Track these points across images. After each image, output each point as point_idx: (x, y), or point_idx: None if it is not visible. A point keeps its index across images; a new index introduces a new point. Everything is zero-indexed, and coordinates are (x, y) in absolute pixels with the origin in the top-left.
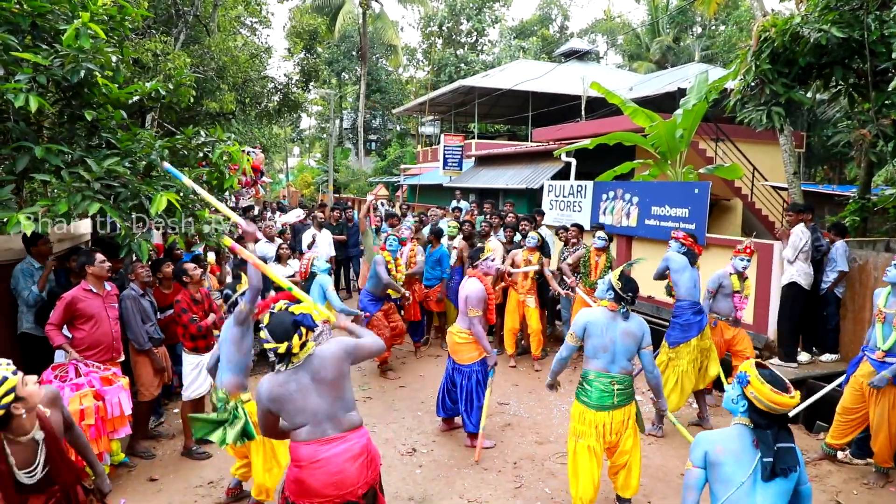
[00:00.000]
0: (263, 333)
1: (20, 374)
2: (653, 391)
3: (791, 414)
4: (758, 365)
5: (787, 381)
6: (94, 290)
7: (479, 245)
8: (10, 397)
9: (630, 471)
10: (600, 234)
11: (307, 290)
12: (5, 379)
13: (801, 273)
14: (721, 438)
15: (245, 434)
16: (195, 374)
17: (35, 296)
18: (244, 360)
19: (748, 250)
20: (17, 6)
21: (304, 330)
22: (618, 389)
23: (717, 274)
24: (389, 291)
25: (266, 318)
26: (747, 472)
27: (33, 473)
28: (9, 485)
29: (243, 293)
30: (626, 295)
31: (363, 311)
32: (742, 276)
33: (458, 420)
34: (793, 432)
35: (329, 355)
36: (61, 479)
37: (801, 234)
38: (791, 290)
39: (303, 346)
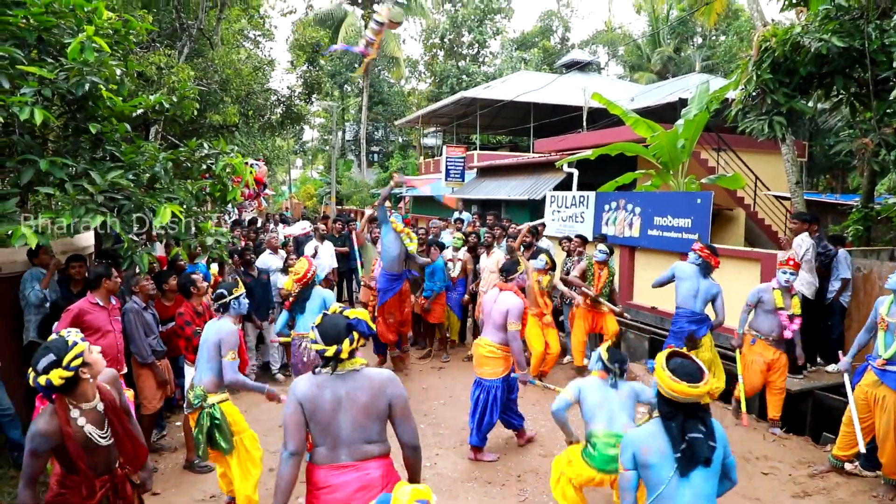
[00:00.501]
0: (313, 334)
1: (87, 342)
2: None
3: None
4: (674, 353)
5: (702, 370)
6: (101, 303)
7: (508, 257)
8: (80, 360)
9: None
10: (601, 247)
11: (305, 301)
12: (75, 344)
13: (803, 283)
14: (646, 436)
15: (211, 440)
16: None
17: (38, 294)
18: (223, 361)
19: (791, 262)
20: (24, 21)
21: (356, 335)
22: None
23: (758, 288)
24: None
25: (319, 319)
26: (674, 464)
27: (105, 434)
28: (78, 448)
29: (238, 297)
30: (613, 366)
31: (382, 291)
32: (789, 292)
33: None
34: (707, 418)
35: (374, 379)
36: (124, 451)
37: (801, 243)
38: None
39: (352, 353)
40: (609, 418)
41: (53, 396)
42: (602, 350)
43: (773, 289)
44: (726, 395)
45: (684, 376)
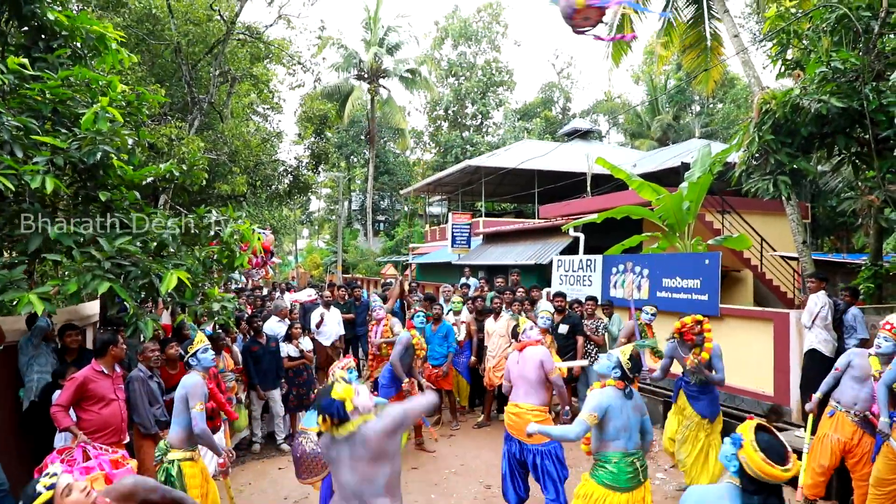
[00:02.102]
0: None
1: (67, 478)
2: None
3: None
4: (759, 427)
5: (789, 450)
6: (106, 371)
7: (510, 320)
8: None
9: None
10: (649, 308)
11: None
12: (39, 493)
13: (820, 340)
14: (709, 497)
15: None
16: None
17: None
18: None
19: (889, 327)
20: (40, 95)
21: (325, 417)
22: (641, 466)
23: (850, 351)
24: (414, 366)
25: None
26: None
27: None
28: None
29: (195, 352)
30: (633, 374)
31: (384, 388)
32: (889, 361)
33: None
34: (781, 494)
35: (373, 433)
36: None
37: (816, 300)
38: (812, 357)
39: (337, 426)
40: (628, 439)
41: None
42: (623, 357)
43: (870, 354)
44: None
45: (776, 458)
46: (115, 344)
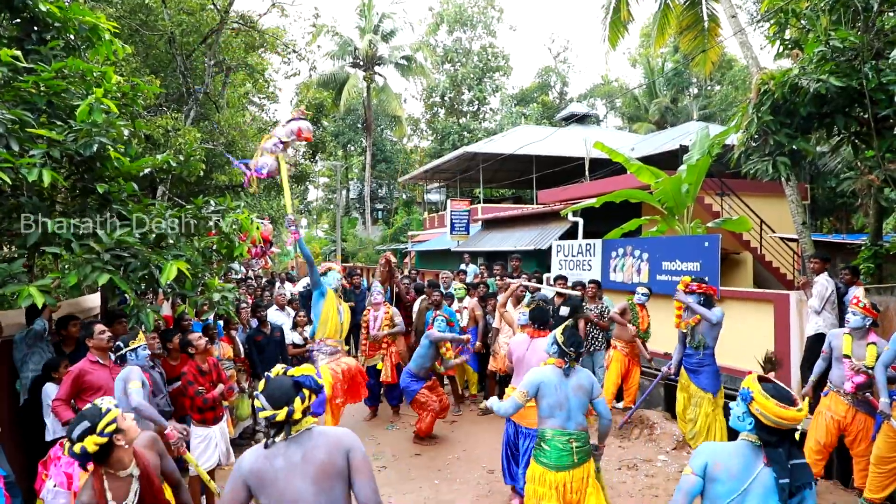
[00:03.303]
0: (259, 402)
1: (119, 409)
2: (600, 437)
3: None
4: (760, 378)
5: (793, 393)
6: (101, 362)
7: (534, 305)
8: (113, 426)
9: None
10: (642, 289)
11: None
12: (109, 410)
13: (828, 324)
14: (724, 454)
15: None
16: (203, 447)
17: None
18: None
19: (856, 301)
20: (34, 87)
21: (306, 392)
22: (576, 447)
23: (829, 333)
24: (437, 365)
25: (262, 385)
26: (739, 489)
27: None
28: None
29: (135, 348)
30: (569, 350)
31: (408, 390)
32: (864, 338)
33: None
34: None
35: (329, 435)
36: None
37: (826, 284)
38: (818, 342)
39: (305, 412)
40: (566, 418)
41: (89, 466)
42: (558, 333)
43: (844, 334)
44: None
45: (787, 401)
46: (90, 336)
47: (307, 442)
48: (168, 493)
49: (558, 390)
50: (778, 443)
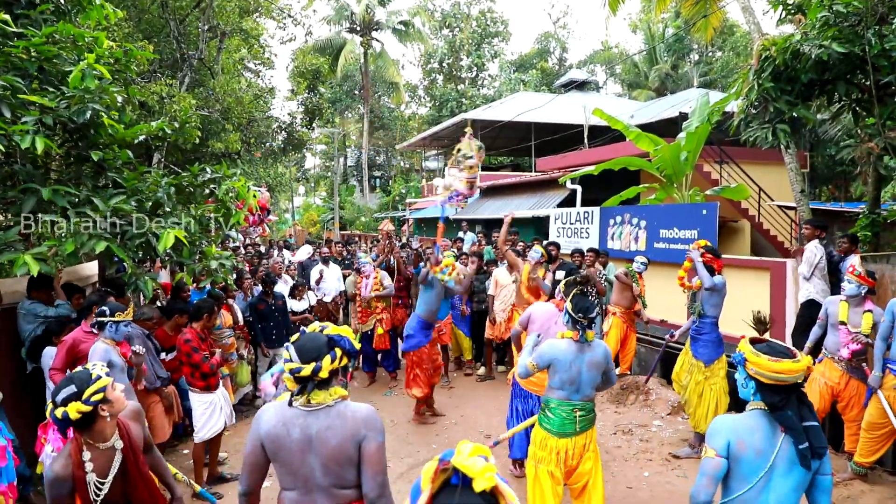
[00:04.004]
0: (287, 353)
1: (111, 377)
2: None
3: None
4: (753, 340)
5: (790, 348)
6: (95, 331)
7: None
8: (100, 395)
9: (591, 493)
10: (641, 258)
11: None
12: (99, 378)
13: (818, 290)
14: (746, 430)
15: None
16: (209, 413)
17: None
18: None
19: (852, 269)
20: (25, 52)
21: (339, 352)
22: (580, 416)
23: (826, 300)
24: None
25: (295, 336)
26: (765, 466)
27: (103, 483)
28: (85, 493)
29: (118, 322)
30: (579, 316)
31: (413, 339)
32: (860, 306)
33: None
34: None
35: (347, 419)
36: (137, 496)
37: (815, 251)
38: (809, 308)
39: (332, 375)
40: (574, 391)
41: (70, 433)
42: (568, 303)
43: (841, 300)
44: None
45: (780, 354)
46: (98, 305)
47: (324, 420)
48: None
49: (572, 367)
50: (783, 403)
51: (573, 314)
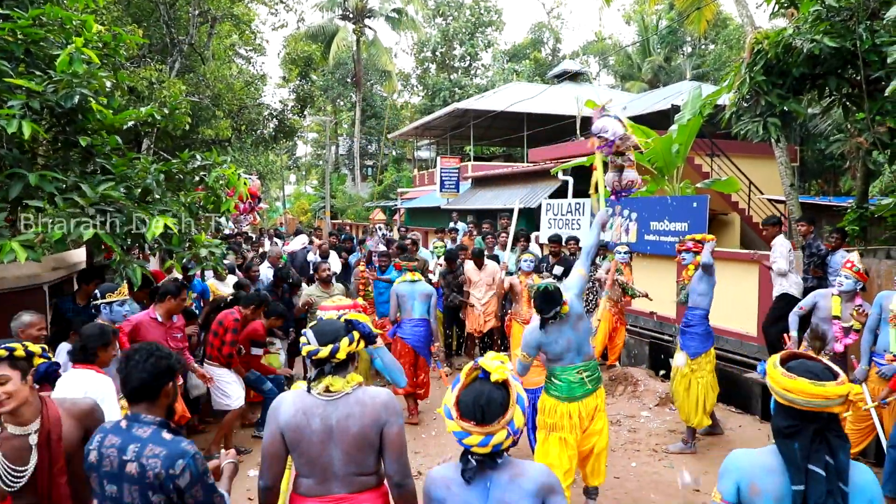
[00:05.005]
0: (304, 338)
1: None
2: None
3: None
4: (793, 356)
5: (835, 370)
6: (160, 320)
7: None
8: (25, 357)
9: (599, 456)
10: (622, 248)
11: None
12: (42, 351)
13: (792, 283)
14: (761, 471)
15: None
16: (235, 385)
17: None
18: None
19: (850, 265)
20: (11, 35)
21: (356, 335)
22: (587, 377)
23: (816, 292)
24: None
25: (312, 322)
26: None
27: (19, 476)
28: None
29: (111, 302)
30: (542, 314)
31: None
32: (852, 300)
33: None
34: (841, 445)
35: (367, 405)
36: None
37: (784, 243)
38: (783, 301)
39: (349, 358)
40: (575, 354)
41: None
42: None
43: (833, 294)
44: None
45: (805, 374)
46: (174, 296)
47: (343, 408)
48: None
49: (559, 340)
50: (792, 431)
51: (540, 313)
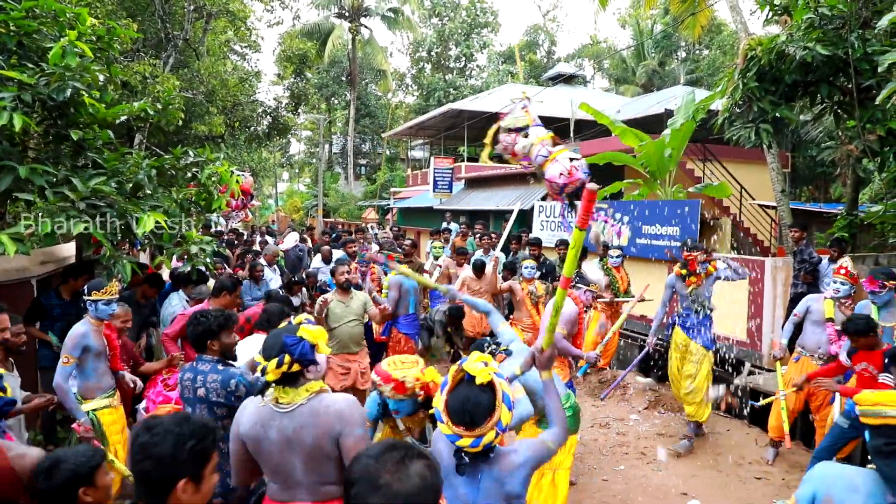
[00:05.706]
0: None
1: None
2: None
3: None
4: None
5: None
6: None
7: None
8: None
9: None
10: (614, 252)
11: None
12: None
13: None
14: (839, 484)
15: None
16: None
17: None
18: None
19: (844, 272)
20: (3, 26)
21: (287, 358)
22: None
23: (807, 297)
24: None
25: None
26: None
27: None
28: None
29: (96, 300)
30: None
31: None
32: (844, 304)
33: None
34: None
35: (320, 415)
36: None
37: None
38: None
39: (285, 379)
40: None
41: None
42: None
43: (825, 298)
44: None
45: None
46: (230, 292)
47: (298, 419)
48: None
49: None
50: (890, 449)
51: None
